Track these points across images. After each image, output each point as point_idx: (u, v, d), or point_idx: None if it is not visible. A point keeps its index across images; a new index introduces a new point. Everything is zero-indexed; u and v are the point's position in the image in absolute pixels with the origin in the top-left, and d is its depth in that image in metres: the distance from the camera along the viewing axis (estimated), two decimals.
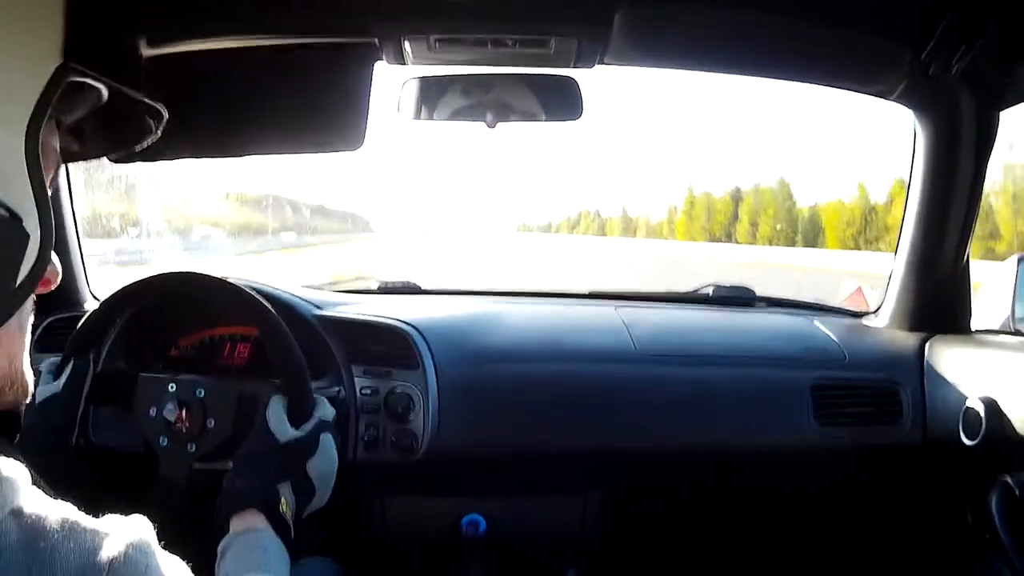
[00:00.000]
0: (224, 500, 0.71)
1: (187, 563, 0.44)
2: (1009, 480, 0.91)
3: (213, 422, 0.84)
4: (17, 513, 0.35)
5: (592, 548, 1.21)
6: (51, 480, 0.52)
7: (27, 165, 0.38)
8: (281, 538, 0.69)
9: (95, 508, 0.39)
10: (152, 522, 0.42)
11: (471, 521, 1.12)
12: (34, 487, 0.38)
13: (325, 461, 0.79)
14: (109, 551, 0.36)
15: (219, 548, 0.66)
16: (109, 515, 0.40)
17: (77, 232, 1.22)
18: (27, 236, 0.38)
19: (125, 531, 0.38)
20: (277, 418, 0.78)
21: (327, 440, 0.79)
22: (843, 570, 1.28)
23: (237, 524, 0.69)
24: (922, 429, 1.09)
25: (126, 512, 0.41)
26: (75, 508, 0.38)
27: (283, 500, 0.72)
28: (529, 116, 1.05)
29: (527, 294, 1.36)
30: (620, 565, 1.27)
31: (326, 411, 0.82)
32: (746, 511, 1.24)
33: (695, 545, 1.30)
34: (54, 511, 0.36)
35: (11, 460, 0.37)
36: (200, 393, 0.85)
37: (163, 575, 0.39)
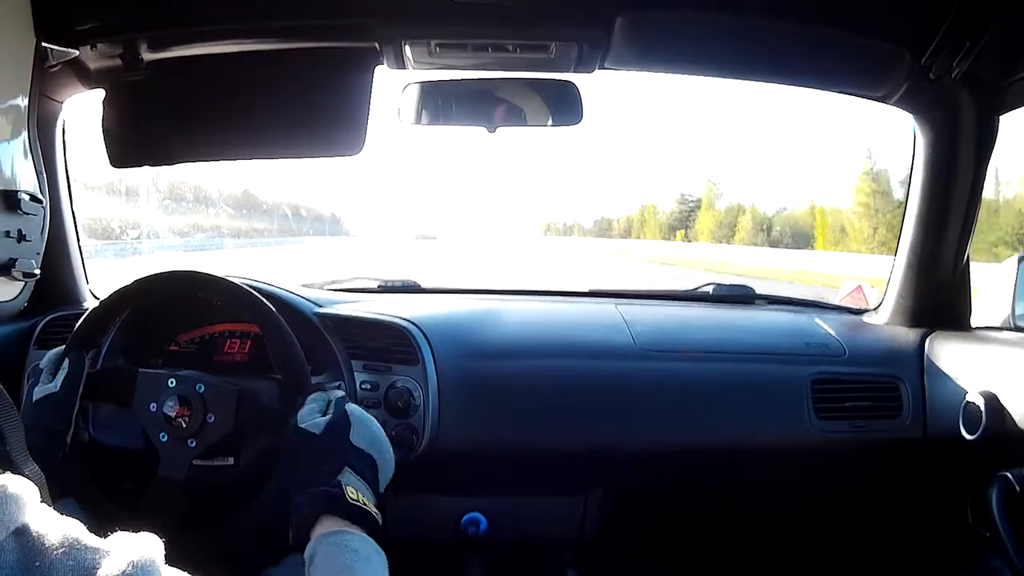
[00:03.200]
0: (295, 524, 0.67)
1: (185, 558, 0.42)
2: (1009, 476, 0.91)
3: (213, 417, 0.84)
4: (20, 532, 0.34)
5: (592, 547, 1.21)
6: (51, 481, 0.52)
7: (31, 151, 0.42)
8: (368, 527, 0.66)
9: (95, 506, 0.38)
10: (152, 518, 0.40)
11: (471, 519, 1.12)
12: (43, 504, 0.36)
13: (365, 426, 0.75)
14: (109, 569, 0.34)
15: (305, 555, 0.63)
16: (118, 533, 0.38)
17: (77, 231, 1.21)
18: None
19: (129, 549, 0.36)
20: (310, 415, 0.75)
21: (353, 408, 0.77)
22: (843, 566, 1.28)
23: (318, 531, 0.65)
24: (922, 424, 1.09)
25: (126, 509, 0.40)
26: (82, 526, 0.37)
27: (348, 489, 0.68)
28: (529, 121, 1.06)
29: (527, 292, 1.36)
30: (620, 564, 1.27)
31: (332, 392, 0.80)
32: (746, 507, 1.24)
33: (696, 543, 1.30)
34: (58, 529, 0.35)
35: (19, 477, 0.36)
36: (200, 388, 0.84)
37: None
